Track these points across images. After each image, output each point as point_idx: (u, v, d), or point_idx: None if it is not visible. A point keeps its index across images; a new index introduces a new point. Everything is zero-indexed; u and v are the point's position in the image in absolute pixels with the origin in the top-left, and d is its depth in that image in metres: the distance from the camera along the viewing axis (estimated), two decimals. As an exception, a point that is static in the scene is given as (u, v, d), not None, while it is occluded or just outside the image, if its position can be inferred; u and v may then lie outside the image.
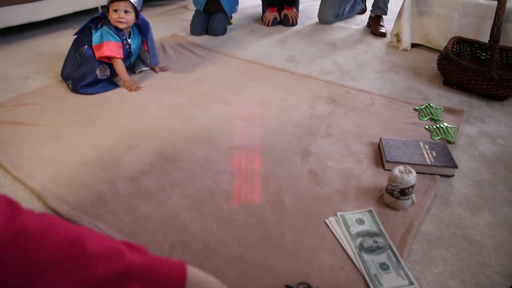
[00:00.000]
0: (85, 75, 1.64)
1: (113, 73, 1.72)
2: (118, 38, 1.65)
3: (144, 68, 1.89)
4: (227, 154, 1.26)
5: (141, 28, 1.77)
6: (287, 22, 2.68)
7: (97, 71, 1.66)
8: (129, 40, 1.71)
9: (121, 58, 1.67)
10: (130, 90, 1.67)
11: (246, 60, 2.05)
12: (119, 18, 1.62)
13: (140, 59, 1.88)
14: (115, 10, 1.61)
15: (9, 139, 1.33)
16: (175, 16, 2.89)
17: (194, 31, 2.46)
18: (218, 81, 1.80)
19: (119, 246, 0.57)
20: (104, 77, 1.69)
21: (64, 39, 2.32)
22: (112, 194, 1.08)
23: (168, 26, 2.64)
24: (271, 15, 2.67)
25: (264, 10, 2.76)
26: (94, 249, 0.53)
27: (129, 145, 1.30)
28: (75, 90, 1.65)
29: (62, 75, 1.74)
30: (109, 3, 1.62)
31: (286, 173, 1.18)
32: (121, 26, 1.64)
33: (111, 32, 1.63)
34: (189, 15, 2.89)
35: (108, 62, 1.69)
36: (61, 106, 1.56)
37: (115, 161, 1.22)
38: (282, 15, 2.68)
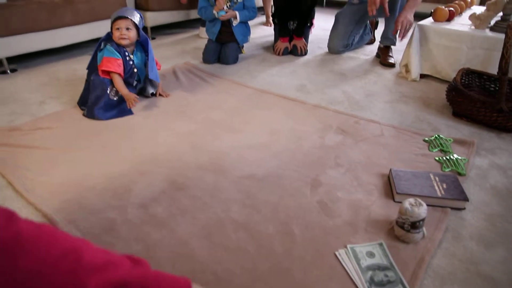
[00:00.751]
0: (99, 98, 1.70)
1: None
2: (118, 54, 1.72)
3: (152, 90, 1.93)
4: (237, 183, 1.27)
5: (143, 44, 1.85)
6: (296, 52, 2.74)
7: (109, 92, 1.71)
8: (131, 56, 1.78)
9: (119, 74, 1.73)
10: (129, 105, 1.70)
11: (256, 89, 2.09)
12: (121, 35, 1.71)
13: (149, 82, 1.93)
14: (118, 28, 1.71)
15: (24, 163, 1.36)
16: (188, 45, 2.97)
17: (206, 60, 2.52)
18: (229, 109, 1.83)
19: (120, 259, 0.55)
20: (117, 98, 1.73)
21: (80, 65, 2.40)
22: (123, 221, 1.09)
23: (181, 54, 2.71)
24: (282, 44, 2.73)
25: (276, 40, 2.83)
26: (90, 261, 0.51)
27: (140, 172, 1.32)
28: (91, 115, 1.70)
29: (78, 103, 1.81)
30: (112, 22, 1.73)
31: (296, 203, 1.18)
32: (123, 42, 1.73)
33: (112, 49, 1.72)
34: (202, 43, 2.97)
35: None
36: (75, 131, 1.59)
37: (127, 188, 1.24)
38: (291, 45, 2.75)
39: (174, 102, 1.90)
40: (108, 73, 1.72)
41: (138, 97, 1.74)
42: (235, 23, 2.49)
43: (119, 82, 1.72)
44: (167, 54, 2.68)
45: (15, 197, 1.19)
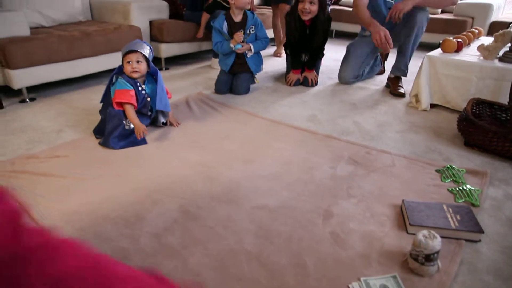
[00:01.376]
0: (115, 128, 1.74)
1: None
2: (130, 85, 1.78)
3: (163, 120, 1.97)
4: (250, 213, 1.27)
5: (154, 75, 1.91)
6: (307, 83, 2.79)
7: (125, 122, 1.76)
8: (143, 86, 1.84)
9: (132, 104, 1.77)
10: (138, 135, 1.74)
11: (268, 119, 2.12)
12: (132, 68, 1.78)
13: (160, 112, 1.97)
14: (129, 62, 1.77)
15: (41, 190, 1.39)
16: (200, 75, 3.04)
17: (219, 90, 2.57)
18: (241, 140, 1.85)
19: (144, 275, 0.54)
20: (132, 128, 1.77)
21: (96, 95, 2.47)
22: (135, 250, 1.10)
23: (194, 84, 2.77)
24: (295, 76, 2.78)
25: (288, 71, 2.88)
26: (122, 270, 0.51)
27: (153, 201, 1.34)
28: (106, 144, 1.74)
29: (94, 131, 1.86)
30: (123, 56, 1.79)
31: (308, 234, 1.18)
32: (135, 75, 1.79)
33: (123, 81, 1.77)
34: (214, 74, 3.04)
35: (137, 113, 1.81)
36: (90, 160, 1.63)
37: (140, 216, 1.25)
38: (302, 77, 2.80)
39: (187, 132, 1.93)
40: (121, 104, 1.77)
41: (147, 128, 1.79)
42: (249, 54, 2.55)
43: (131, 113, 1.77)
44: (180, 84, 2.75)
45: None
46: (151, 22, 3.12)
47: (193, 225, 1.21)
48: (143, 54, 1.80)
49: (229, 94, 2.58)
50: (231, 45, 2.47)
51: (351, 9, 3.87)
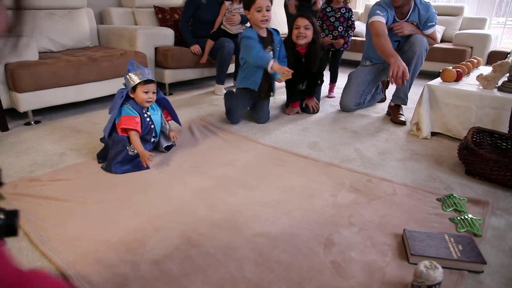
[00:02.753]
0: (118, 153, 1.75)
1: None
2: (136, 112, 1.79)
3: (166, 144, 1.98)
4: (250, 241, 1.27)
5: (160, 101, 1.94)
6: (308, 111, 2.81)
7: (128, 148, 1.77)
8: (148, 113, 1.85)
9: (137, 131, 1.78)
10: (144, 163, 1.76)
11: (270, 146, 2.14)
12: (149, 98, 1.80)
13: (163, 136, 1.99)
14: (146, 92, 1.79)
15: (42, 214, 1.39)
16: (203, 101, 3.08)
17: (232, 118, 2.50)
18: (243, 166, 1.86)
19: None
20: (135, 153, 1.78)
21: (100, 119, 2.50)
22: (135, 277, 1.09)
23: (197, 110, 2.81)
24: (293, 110, 2.79)
25: (287, 105, 2.87)
26: None
27: (154, 227, 1.33)
28: (108, 169, 1.75)
29: (97, 154, 1.87)
30: (139, 84, 1.78)
31: (309, 263, 1.17)
32: (148, 105, 1.82)
33: (130, 107, 1.79)
34: (217, 99, 3.08)
35: (140, 139, 1.82)
36: (92, 184, 1.64)
37: (140, 243, 1.25)
38: (303, 105, 2.82)
39: (188, 158, 1.95)
40: (126, 131, 1.79)
41: (153, 154, 1.80)
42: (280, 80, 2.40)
43: (135, 140, 1.78)
44: (183, 110, 2.79)
45: (30, 248, 1.21)
46: (156, 49, 3.19)
47: (194, 252, 1.21)
48: (156, 84, 1.84)
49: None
50: (271, 65, 2.29)
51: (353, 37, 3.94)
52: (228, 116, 2.53)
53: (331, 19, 3.01)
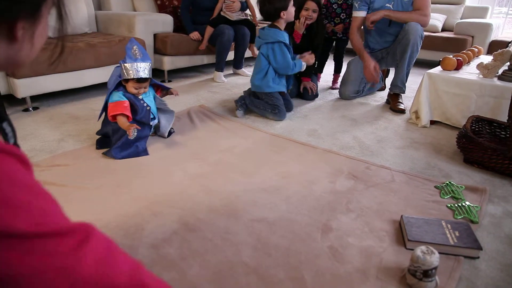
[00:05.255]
0: (118, 139, 1.76)
1: (141, 134, 1.81)
2: (125, 98, 1.76)
3: (169, 126, 1.97)
4: (248, 226, 1.28)
5: (153, 85, 1.94)
6: (306, 94, 2.79)
7: (132, 132, 1.72)
8: (140, 96, 1.83)
9: (126, 114, 1.74)
10: (129, 134, 1.69)
11: (269, 133, 2.14)
12: (139, 93, 1.80)
13: (164, 118, 1.97)
14: (136, 88, 1.78)
15: (41, 201, 1.39)
16: (202, 88, 3.07)
17: (285, 115, 2.39)
18: (241, 153, 1.86)
19: None
20: (133, 138, 1.75)
21: (98, 105, 2.49)
22: (134, 262, 1.10)
23: (196, 97, 2.80)
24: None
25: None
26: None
27: (153, 212, 1.34)
28: (108, 154, 1.75)
29: (97, 140, 1.87)
30: (131, 80, 1.75)
31: (307, 248, 1.18)
32: (139, 96, 1.81)
33: (119, 94, 1.76)
34: (216, 87, 3.07)
35: (138, 123, 1.79)
36: (91, 169, 1.64)
37: (139, 227, 1.25)
38: (301, 89, 2.81)
39: (188, 144, 1.95)
40: (115, 117, 1.75)
41: (149, 136, 1.77)
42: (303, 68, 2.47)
43: (122, 120, 1.73)
44: (182, 97, 2.77)
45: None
46: (155, 35, 3.17)
47: (192, 236, 1.21)
48: (151, 79, 1.82)
49: (230, 107, 2.59)
50: (304, 65, 2.43)
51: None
52: (279, 115, 2.36)
53: (333, 5, 2.98)
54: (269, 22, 2.42)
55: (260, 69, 2.39)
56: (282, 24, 2.37)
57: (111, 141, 1.81)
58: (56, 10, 0.53)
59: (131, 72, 1.74)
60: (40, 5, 0.50)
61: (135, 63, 1.74)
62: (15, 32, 0.48)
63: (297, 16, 2.64)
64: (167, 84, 3.10)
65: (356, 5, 2.63)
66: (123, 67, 1.74)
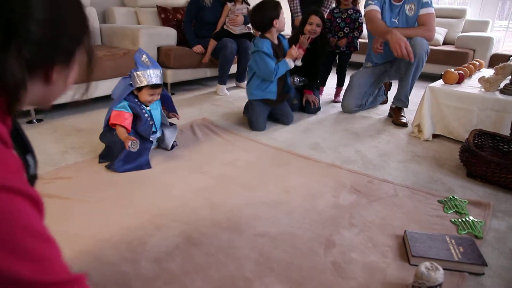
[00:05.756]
0: (119, 151, 1.76)
1: (143, 147, 1.80)
2: (130, 110, 1.78)
3: (172, 139, 1.98)
4: (251, 241, 1.27)
5: (162, 97, 1.94)
6: (309, 107, 2.80)
7: (129, 144, 1.73)
8: (148, 108, 1.85)
9: (125, 127, 1.75)
10: (126, 146, 1.70)
11: (271, 146, 2.14)
12: (153, 100, 1.82)
13: (168, 132, 1.98)
14: (151, 95, 1.79)
15: (43, 214, 1.39)
16: (205, 101, 3.08)
17: (260, 128, 2.42)
18: (244, 166, 1.87)
19: None
20: (134, 150, 1.75)
21: (102, 118, 2.47)
22: (136, 275, 1.09)
23: (199, 110, 2.81)
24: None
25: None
26: None
27: (156, 226, 1.34)
28: (111, 167, 1.75)
29: (100, 154, 1.87)
30: (145, 87, 1.77)
31: (309, 263, 1.17)
32: (150, 104, 1.83)
33: (125, 104, 1.77)
34: (219, 100, 3.09)
35: (139, 136, 1.80)
36: (94, 182, 1.64)
37: (141, 241, 1.25)
38: (304, 102, 2.82)
39: (190, 157, 1.95)
40: (115, 125, 1.77)
41: (136, 140, 1.74)
42: (299, 63, 2.47)
43: (120, 131, 1.75)
44: (185, 110, 2.79)
45: (32, 248, 1.21)
46: (159, 48, 3.20)
47: (195, 250, 1.21)
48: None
49: (233, 120, 2.60)
50: (289, 62, 2.37)
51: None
52: (252, 127, 2.44)
53: (337, 20, 3.02)
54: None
55: (248, 78, 2.49)
56: (273, 34, 2.40)
57: (113, 154, 1.81)
58: (87, 56, 0.60)
59: (144, 79, 1.75)
60: (75, 52, 0.57)
61: (148, 70, 1.76)
62: (51, 76, 0.54)
63: (301, 31, 2.68)
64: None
65: (370, 1, 2.56)
66: (135, 75, 1.75)
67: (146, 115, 1.84)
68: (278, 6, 2.32)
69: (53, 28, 0.52)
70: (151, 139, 1.88)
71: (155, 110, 1.90)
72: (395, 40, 2.33)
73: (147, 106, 1.86)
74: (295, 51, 2.36)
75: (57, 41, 0.53)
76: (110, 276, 1.08)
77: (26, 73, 0.50)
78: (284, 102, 2.58)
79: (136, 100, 1.82)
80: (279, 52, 2.44)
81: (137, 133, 1.81)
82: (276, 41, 2.45)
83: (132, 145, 1.71)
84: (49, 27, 0.51)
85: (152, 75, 1.76)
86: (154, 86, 1.78)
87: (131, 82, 1.80)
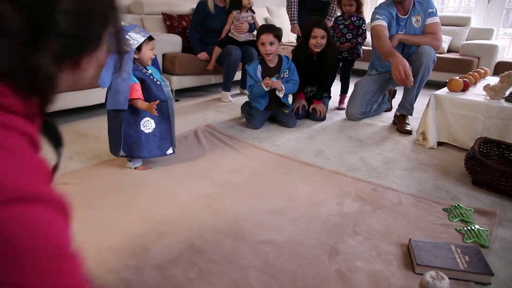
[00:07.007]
0: (130, 134, 1.75)
1: (159, 127, 1.81)
2: (136, 79, 1.72)
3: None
4: (255, 249, 1.27)
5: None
6: (315, 115, 2.81)
7: (141, 124, 1.72)
8: (150, 71, 1.80)
9: (140, 98, 1.72)
10: (153, 113, 1.70)
11: (276, 153, 2.14)
12: (154, 54, 1.77)
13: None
14: (151, 49, 1.75)
15: (48, 221, 1.39)
16: (210, 107, 3.09)
17: (255, 126, 2.58)
18: (248, 173, 1.86)
19: None
20: (149, 130, 1.74)
21: (106, 124, 2.51)
22: (139, 283, 1.09)
23: (203, 117, 2.82)
24: (300, 101, 2.84)
25: (293, 99, 2.92)
26: None
27: (159, 233, 1.33)
28: (136, 154, 1.77)
29: (110, 149, 1.86)
30: (144, 43, 1.70)
31: (314, 271, 1.16)
32: (150, 62, 1.79)
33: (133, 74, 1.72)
34: (224, 106, 3.10)
35: (151, 116, 1.78)
36: (98, 188, 1.65)
37: (145, 248, 1.25)
38: (311, 109, 2.83)
39: (194, 164, 1.95)
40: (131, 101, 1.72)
41: (155, 104, 1.71)
42: (281, 94, 2.56)
43: (139, 104, 1.72)
44: (190, 116, 2.80)
45: (36, 254, 1.21)
46: (164, 55, 3.22)
47: (198, 258, 1.20)
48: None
49: (237, 127, 2.61)
50: (264, 87, 2.49)
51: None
52: (249, 124, 2.61)
53: (340, 26, 3.03)
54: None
55: None
56: (268, 59, 2.58)
57: (118, 141, 1.77)
58: (115, 36, 0.58)
59: (139, 35, 1.69)
60: (102, 37, 0.55)
61: (135, 28, 1.71)
62: (80, 64, 0.53)
63: (305, 45, 2.69)
64: (175, 104, 3.12)
65: (378, 16, 2.55)
66: (129, 36, 1.67)
67: (151, 77, 1.78)
68: None
69: (82, 18, 0.49)
70: (164, 92, 1.84)
71: (156, 73, 1.85)
72: (395, 65, 2.32)
73: (148, 70, 1.80)
74: (269, 81, 2.47)
75: (87, 31, 0.50)
76: (113, 284, 1.08)
77: (58, 70, 0.48)
78: (281, 110, 2.66)
79: (137, 65, 1.74)
80: (269, 75, 2.57)
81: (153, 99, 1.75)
82: (272, 63, 2.62)
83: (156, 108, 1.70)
84: (78, 17, 0.48)
85: (141, 30, 1.72)
86: (150, 38, 1.73)
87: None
